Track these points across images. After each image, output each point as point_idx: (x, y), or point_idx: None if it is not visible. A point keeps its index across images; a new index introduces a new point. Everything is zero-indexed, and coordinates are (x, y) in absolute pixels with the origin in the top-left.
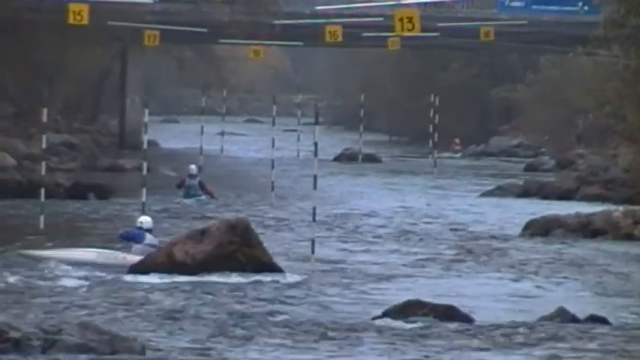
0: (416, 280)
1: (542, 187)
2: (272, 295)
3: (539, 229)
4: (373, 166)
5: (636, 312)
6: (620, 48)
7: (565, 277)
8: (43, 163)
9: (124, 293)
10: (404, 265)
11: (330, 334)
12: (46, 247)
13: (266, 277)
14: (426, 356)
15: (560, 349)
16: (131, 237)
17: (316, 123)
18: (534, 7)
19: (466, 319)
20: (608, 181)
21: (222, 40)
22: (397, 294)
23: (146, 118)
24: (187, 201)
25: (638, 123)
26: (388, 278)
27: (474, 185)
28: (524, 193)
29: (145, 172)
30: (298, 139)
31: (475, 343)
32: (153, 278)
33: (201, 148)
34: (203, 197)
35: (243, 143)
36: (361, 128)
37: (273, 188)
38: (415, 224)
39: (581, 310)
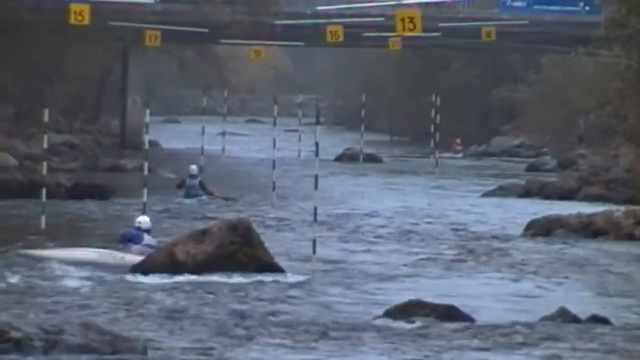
0: (417, 280)
1: (544, 187)
2: (273, 295)
3: (540, 229)
4: (374, 166)
5: (637, 312)
6: (622, 48)
7: (566, 277)
8: (45, 164)
9: (126, 293)
10: (405, 265)
11: (331, 334)
12: (46, 247)
13: (267, 277)
14: (427, 356)
15: (561, 349)
16: (129, 238)
17: (317, 123)
18: (536, 7)
19: (467, 319)
20: (609, 182)
21: (223, 41)
22: (398, 294)
23: (147, 119)
24: (188, 201)
25: None
26: (389, 278)
27: (475, 185)
28: (526, 193)
29: (146, 172)
30: (299, 140)
31: (476, 343)
32: (154, 278)
33: (202, 148)
34: (204, 197)
35: (245, 143)
36: (362, 128)
37: (274, 188)
38: (416, 224)
39: (582, 311)
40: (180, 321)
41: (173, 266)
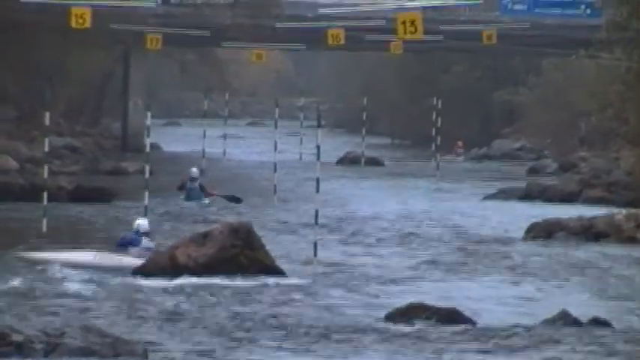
0: (418, 282)
1: (545, 190)
2: (274, 297)
3: (541, 232)
4: (376, 170)
5: (639, 315)
6: (623, 51)
7: (567, 280)
8: (46, 167)
9: (127, 296)
10: (406, 268)
11: (332, 336)
12: (47, 250)
13: (268, 280)
14: (428, 359)
15: (561, 351)
16: (127, 243)
17: (319, 126)
18: (537, 10)
19: (468, 321)
20: (610, 184)
21: (224, 44)
22: (399, 297)
23: (148, 121)
24: (188, 204)
25: None
26: (390, 281)
27: (476, 188)
28: (527, 196)
29: (147, 175)
30: (301, 142)
31: (477, 345)
32: (155, 281)
33: (203, 151)
34: (207, 201)
35: (246, 146)
36: (364, 131)
37: (275, 191)
38: (418, 227)
39: (583, 313)
40: (181, 323)
41: (174, 269)
